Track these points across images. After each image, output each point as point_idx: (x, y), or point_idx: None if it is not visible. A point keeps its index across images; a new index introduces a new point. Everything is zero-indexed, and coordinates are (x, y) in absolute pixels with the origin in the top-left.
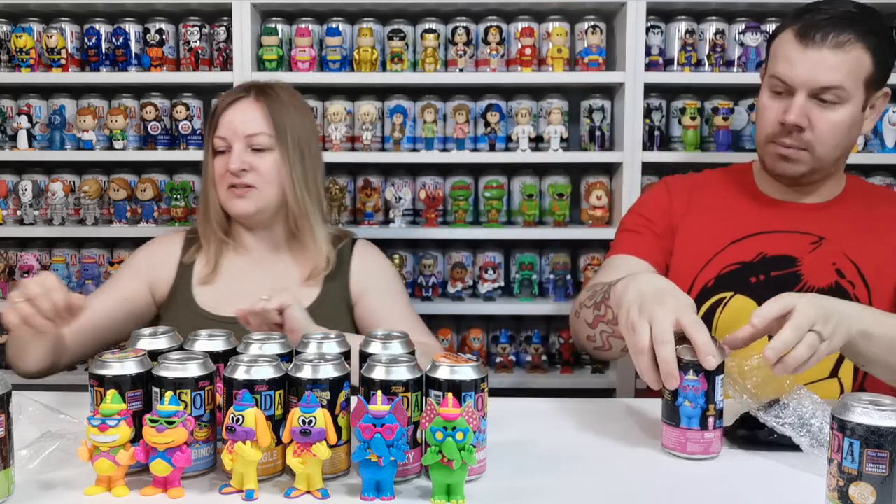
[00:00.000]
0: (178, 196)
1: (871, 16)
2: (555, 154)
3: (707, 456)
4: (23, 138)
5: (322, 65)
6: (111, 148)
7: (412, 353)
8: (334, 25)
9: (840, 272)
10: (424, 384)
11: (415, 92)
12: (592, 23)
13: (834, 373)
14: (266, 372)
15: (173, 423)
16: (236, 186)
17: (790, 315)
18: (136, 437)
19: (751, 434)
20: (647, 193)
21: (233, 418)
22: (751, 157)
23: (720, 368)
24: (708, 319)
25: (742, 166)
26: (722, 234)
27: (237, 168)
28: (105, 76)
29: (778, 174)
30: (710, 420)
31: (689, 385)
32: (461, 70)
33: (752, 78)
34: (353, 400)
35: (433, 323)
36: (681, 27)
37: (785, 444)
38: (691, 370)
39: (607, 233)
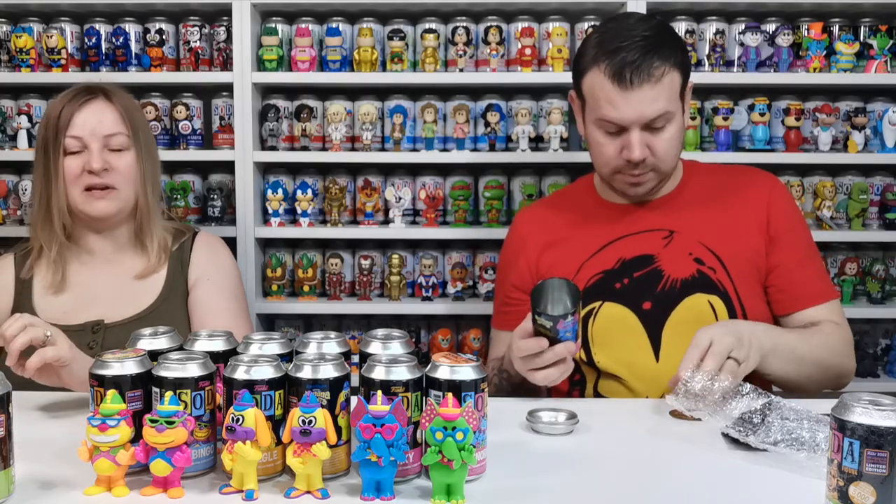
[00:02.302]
0: (179, 196)
1: (662, 30)
2: (555, 154)
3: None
4: (23, 138)
5: (322, 65)
6: None
7: (412, 353)
8: (334, 25)
9: (699, 260)
10: (424, 384)
11: (415, 92)
12: (592, 23)
13: None
14: (266, 372)
15: (173, 423)
16: (95, 188)
17: (709, 347)
18: (137, 437)
19: (744, 443)
20: (503, 247)
21: (233, 418)
22: (751, 158)
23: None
24: (583, 331)
25: (584, 180)
26: (580, 251)
27: (100, 167)
28: (105, 76)
29: (631, 196)
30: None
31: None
32: (461, 70)
33: (752, 78)
34: (353, 400)
35: (433, 323)
36: (681, 27)
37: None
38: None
39: None
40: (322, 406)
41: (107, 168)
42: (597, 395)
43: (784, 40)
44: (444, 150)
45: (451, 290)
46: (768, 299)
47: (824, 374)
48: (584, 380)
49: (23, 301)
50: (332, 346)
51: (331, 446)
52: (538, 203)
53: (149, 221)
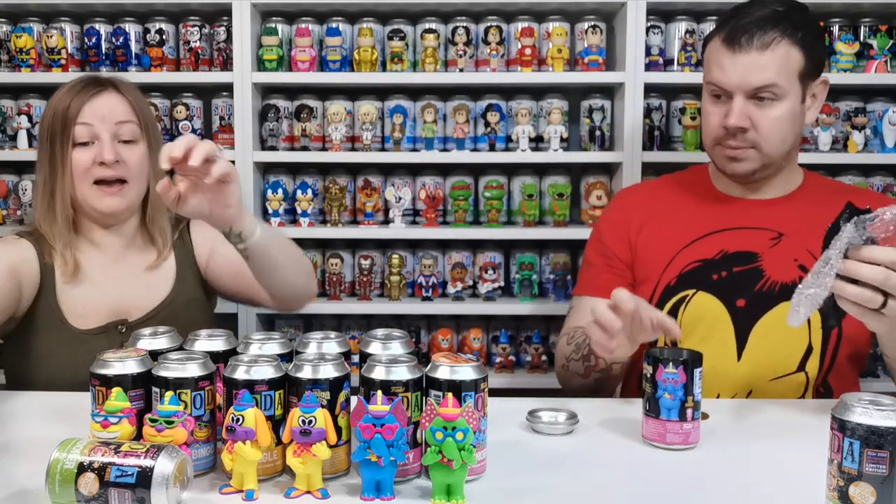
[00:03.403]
0: None
1: (794, 10)
2: (555, 154)
3: (686, 446)
4: (23, 138)
5: (322, 65)
6: None
7: (412, 353)
8: (334, 25)
9: (803, 267)
10: (424, 384)
11: (415, 92)
12: (592, 23)
13: (801, 367)
14: (266, 372)
15: (173, 422)
16: (105, 182)
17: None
18: (138, 437)
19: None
20: (603, 214)
21: (233, 418)
22: None
23: (698, 362)
24: (671, 317)
25: (698, 168)
26: (682, 235)
27: (112, 158)
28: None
29: (729, 174)
30: (689, 411)
31: (669, 378)
32: (461, 70)
33: None
34: (353, 400)
35: (433, 323)
36: (681, 27)
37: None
38: (671, 363)
39: None
40: (322, 406)
41: (118, 160)
42: None
43: None
44: (444, 150)
45: (451, 290)
46: None
47: None
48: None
49: (47, 287)
50: (332, 346)
51: (331, 446)
52: (645, 182)
53: (160, 216)
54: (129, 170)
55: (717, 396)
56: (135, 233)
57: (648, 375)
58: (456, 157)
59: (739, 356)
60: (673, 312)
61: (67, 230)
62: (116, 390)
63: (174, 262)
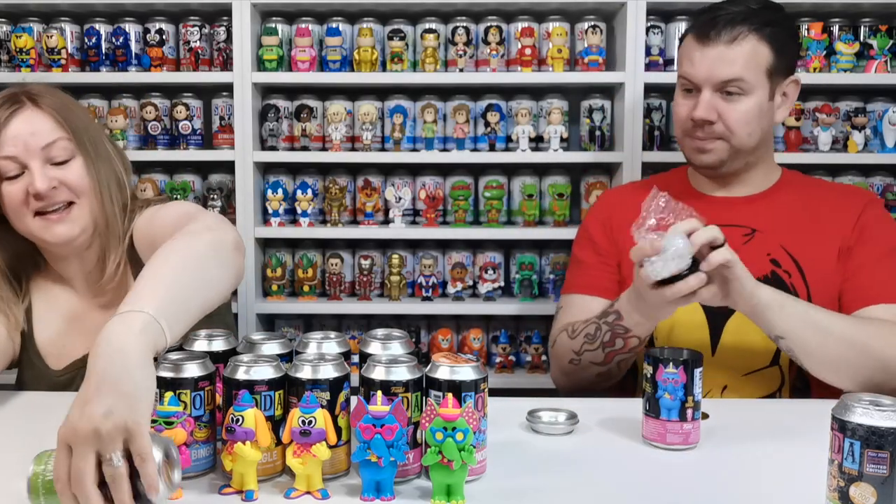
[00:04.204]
0: (179, 196)
1: (768, 8)
2: (555, 154)
3: (686, 446)
4: None
5: (322, 65)
6: None
7: (412, 353)
8: (334, 25)
9: (776, 262)
10: (424, 384)
11: (415, 92)
12: (592, 23)
13: (774, 361)
14: (266, 372)
15: (172, 423)
16: (48, 211)
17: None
18: None
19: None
20: (589, 213)
21: (232, 419)
22: None
23: (698, 362)
24: None
25: (681, 168)
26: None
27: (46, 188)
28: (105, 76)
29: (698, 166)
30: (689, 411)
31: (669, 378)
32: (461, 70)
33: None
34: (353, 400)
35: (433, 323)
36: (681, 27)
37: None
38: (671, 363)
39: None
40: (322, 406)
41: (55, 186)
42: None
43: None
44: (444, 150)
45: (451, 290)
46: (840, 307)
47: (874, 363)
48: (635, 363)
49: (29, 326)
50: (332, 346)
51: (331, 446)
52: (630, 183)
53: (114, 235)
54: (72, 190)
55: None
56: (99, 253)
57: (648, 375)
58: (456, 157)
59: (714, 351)
60: None
61: (10, 282)
62: None
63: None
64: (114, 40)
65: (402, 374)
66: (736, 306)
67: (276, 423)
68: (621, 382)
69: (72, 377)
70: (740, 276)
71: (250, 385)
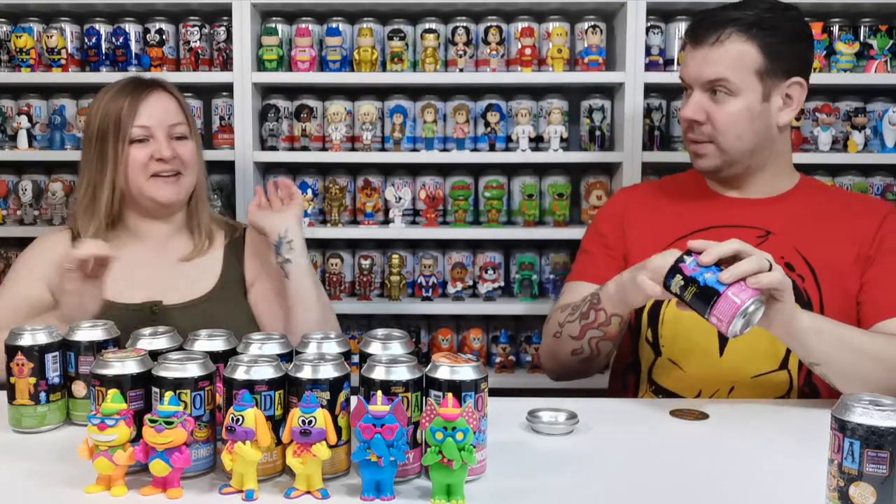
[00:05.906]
0: None
1: (769, 10)
2: (555, 154)
3: (751, 299)
4: (23, 138)
5: (322, 65)
6: None
7: (412, 353)
8: (334, 25)
9: (790, 265)
10: (424, 384)
11: (415, 92)
12: (592, 23)
13: (783, 365)
14: (266, 372)
15: (172, 423)
16: (162, 175)
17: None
18: (138, 437)
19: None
20: (602, 208)
21: (233, 418)
22: None
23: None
24: (655, 312)
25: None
26: (671, 231)
27: (170, 155)
28: (105, 76)
29: (697, 170)
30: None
31: (692, 265)
32: (461, 70)
33: None
34: (353, 400)
35: (433, 323)
36: (681, 27)
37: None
38: (683, 256)
39: None
40: (322, 406)
41: (174, 156)
42: (650, 380)
43: None
44: (444, 150)
45: (451, 290)
46: (858, 318)
47: None
48: (637, 362)
49: None
50: (332, 346)
51: (331, 446)
52: (645, 182)
53: (203, 207)
54: (184, 163)
55: (700, 392)
56: (180, 223)
57: (680, 289)
58: (456, 157)
59: (722, 351)
60: (657, 306)
61: (103, 226)
62: (113, 392)
63: (221, 264)
64: (114, 40)
65: (402, 374)
66: (770, 328)
67: (277, 423)
68: (622, 382)
69: (133, 312)
70: (788, 301)
71: (250, 385)
